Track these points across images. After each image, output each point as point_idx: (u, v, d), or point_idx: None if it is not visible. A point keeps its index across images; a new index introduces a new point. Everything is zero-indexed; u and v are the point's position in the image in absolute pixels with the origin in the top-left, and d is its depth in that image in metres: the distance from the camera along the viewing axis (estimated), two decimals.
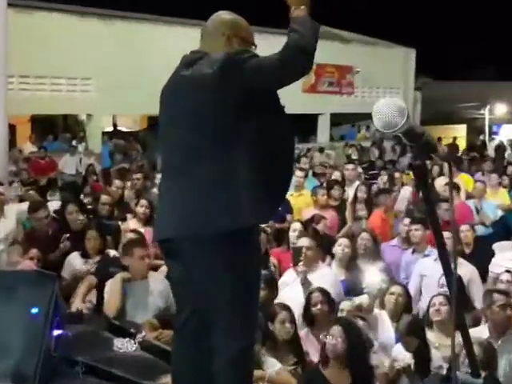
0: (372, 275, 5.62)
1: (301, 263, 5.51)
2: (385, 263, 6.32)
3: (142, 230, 6.56)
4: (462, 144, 25.07)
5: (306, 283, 5.48)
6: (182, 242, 2.87)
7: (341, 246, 6.38)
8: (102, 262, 5.91)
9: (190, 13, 20.79)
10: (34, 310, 3.41)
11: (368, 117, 26.42)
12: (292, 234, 6.65)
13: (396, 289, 5.47)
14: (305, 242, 5.84)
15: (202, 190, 2.82)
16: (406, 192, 9.80)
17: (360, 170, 14.61)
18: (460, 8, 33.26)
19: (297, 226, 6.79)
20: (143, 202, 7.19)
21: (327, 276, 5.74)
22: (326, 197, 8.36)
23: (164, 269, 5.30)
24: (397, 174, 11.13)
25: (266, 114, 2.88)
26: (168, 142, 3.03)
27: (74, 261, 6.09)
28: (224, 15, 3.14)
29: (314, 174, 12.37)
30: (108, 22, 17.69)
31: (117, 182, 8.41)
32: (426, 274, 6.18)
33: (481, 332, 4.91)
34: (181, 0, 28.00)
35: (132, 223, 7.15)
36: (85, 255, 6.15)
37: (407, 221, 7.18)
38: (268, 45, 3.31)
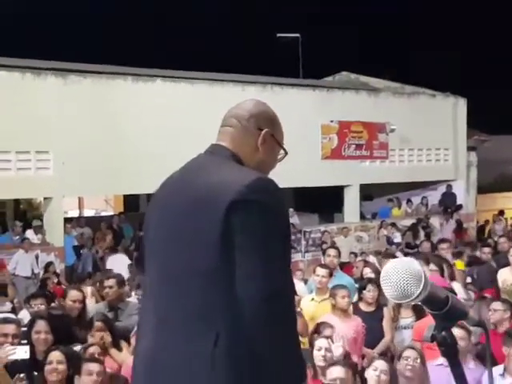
0: None
1: None
2: None
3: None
4: None
5: None
6: None
7: (376, 371, 6.17)
8: None
9: (167, 63, 21.07)
10: None
11: (409, 187, 26.28)
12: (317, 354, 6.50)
13: None
14: (339, 372, 5.53)
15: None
16: (458, 287, 9.26)
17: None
18: None
19: (322, 343, 6.59)
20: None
21: None
22: (349, 299, 8.16)
23: None
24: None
25: None
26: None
27: None
28: (262, 106, 3.01)
29: (341, 267, 11.94)
30: (68, 79, 17.73)
31: (73, 293, 8.07)
32: None
33: None
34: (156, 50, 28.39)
35: (92, 349, 6.78)
36: None
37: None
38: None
